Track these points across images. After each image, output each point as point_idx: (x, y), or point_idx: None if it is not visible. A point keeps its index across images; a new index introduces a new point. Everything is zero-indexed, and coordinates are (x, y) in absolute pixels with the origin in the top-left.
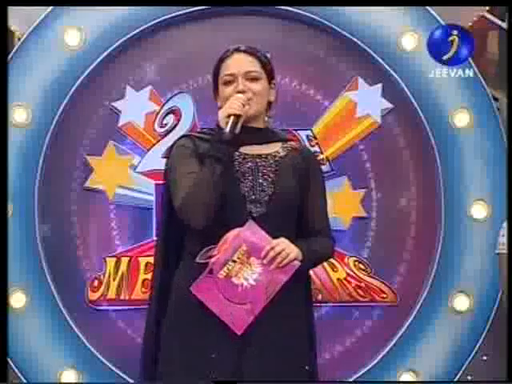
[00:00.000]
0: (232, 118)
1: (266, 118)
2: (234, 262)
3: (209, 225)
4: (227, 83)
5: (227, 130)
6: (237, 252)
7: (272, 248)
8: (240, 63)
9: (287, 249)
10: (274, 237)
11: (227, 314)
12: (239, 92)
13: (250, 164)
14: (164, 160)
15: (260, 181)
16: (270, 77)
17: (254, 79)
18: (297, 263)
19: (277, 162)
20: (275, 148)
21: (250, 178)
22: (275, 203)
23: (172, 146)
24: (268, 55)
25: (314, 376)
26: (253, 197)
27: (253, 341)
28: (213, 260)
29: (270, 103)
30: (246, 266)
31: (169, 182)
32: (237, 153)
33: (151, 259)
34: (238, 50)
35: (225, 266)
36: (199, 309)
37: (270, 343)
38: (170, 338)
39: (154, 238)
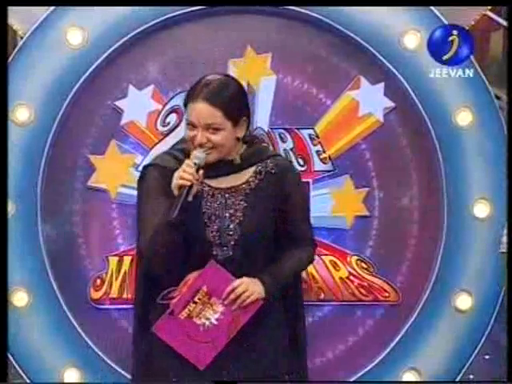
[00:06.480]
0: (184, 189)
1: (241, 149)
2: (195, 303)
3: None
4: (189, 126)
5: (174, 213)
6: (198, 293)
7: (233, 290)
8: (201, 115)
9: (249, 290)
10: (242, 274)
11: (190, 352)
12: (199, 145)
13: (218, 202)
14: None
15: (227, 223)
16: (238, 118)
17: (216, 130)
18: (260, 302)
19: (247, 196)
20: (247, 176)
21: (216, 221)
22: (243, 246)
23: (144, 167)
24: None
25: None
26: (218, 241)
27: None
28: (174, 301)
29: (238, 138)
30: (208, 307)
31: (139, 208)
32: (206, 188)
33: None
34: (204, 97)
35: (186, 307)
36: None
37: (247, 351)
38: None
39: None
